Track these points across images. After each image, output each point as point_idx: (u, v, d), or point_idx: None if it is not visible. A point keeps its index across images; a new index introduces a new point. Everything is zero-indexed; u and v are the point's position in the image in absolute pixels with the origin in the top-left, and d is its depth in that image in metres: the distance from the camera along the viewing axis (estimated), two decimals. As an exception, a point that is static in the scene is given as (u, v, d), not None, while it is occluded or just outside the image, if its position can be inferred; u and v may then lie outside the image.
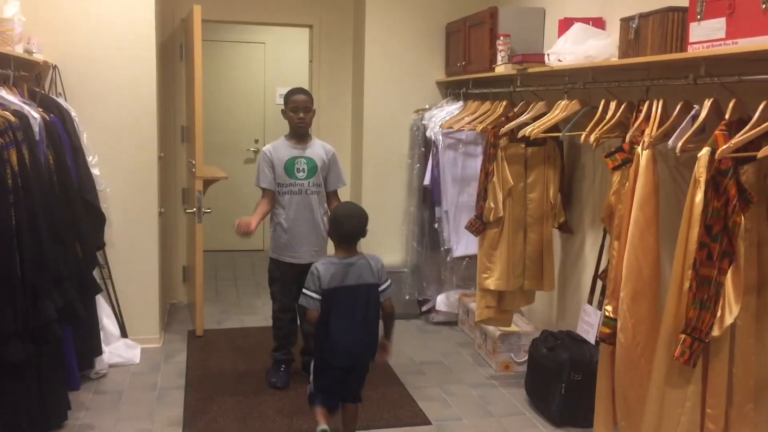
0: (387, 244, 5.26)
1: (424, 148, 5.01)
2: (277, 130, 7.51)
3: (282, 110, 3.87)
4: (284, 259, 3.83)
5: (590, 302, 3.57)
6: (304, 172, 3.81)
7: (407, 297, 5.14)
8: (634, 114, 3.03)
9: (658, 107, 2.87)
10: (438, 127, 4.80)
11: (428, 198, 5.01)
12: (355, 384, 3.12)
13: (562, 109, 3.55)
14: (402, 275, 5.18)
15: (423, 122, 5.00)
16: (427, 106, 5.14)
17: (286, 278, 3.86)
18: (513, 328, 4.22)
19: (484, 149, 3.91)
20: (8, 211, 2.65)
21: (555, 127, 3.59)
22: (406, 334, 4.91)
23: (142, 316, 4.50)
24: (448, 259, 4.88)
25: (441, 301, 5.06)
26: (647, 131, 2.83)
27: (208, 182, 4.80)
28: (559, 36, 3.69)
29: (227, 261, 7.11)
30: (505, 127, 3.78)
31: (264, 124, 7.51)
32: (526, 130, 3.60)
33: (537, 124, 3.59)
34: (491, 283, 3.94)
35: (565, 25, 3.69)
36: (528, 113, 3.79)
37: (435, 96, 5.29)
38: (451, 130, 4.72)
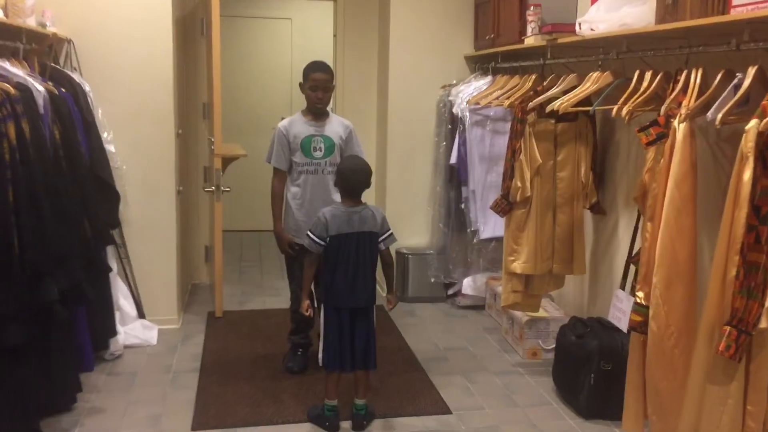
0: (412, 225, 5.09)
1: (451, 125, 4.81)
2: (302, 106, 7.42)
3: (300, 84, 3.70)
4: (299, 240, 3.68)
5: (623, 287, 3.36)
6: (321, 150, 3.65)
7: (433, 280, 4.97)
8: (671, 85, 2.80)
9: (697, 77, 2.63)
10: (465, 103, 4.60)
11: (455, 177, 4.81)
12: (362, 339, 3.16)
13: (593, 82, 3.32)
14: (428, 257, 5.01)
15: (450, 98, 4.79)
16: (454, 82, 4.93)
17: (302, 257, 3.71)
18: (541, 313, 4.02)
19: (511, 125, 3.70)
20: (5, 187, 2.54)
21: (586, 101, 3.36)
22: (431, 318, 4.75)
23: (161, 297, 4.41)
24: (475, 240, 4.69)
25: (467, 285, 4.88)
26: (685, 103, 2.60)
27: (227, 160, 4.68)
28: (591, 4, 3.46)
29: (253, 241, 7.01)
30: (534, 101, 3.56)
31: (291, 102, 7.34)
32: (555, 104, 3.38)
33: (567, 97, 3.36)
34: (518, 267, 3.75)
35: (600, -9, 3.45)
36: (558, 86, 3.57)
37: (463, 71, 5.07)
38: (478, 106, 4.51)
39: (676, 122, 2.55)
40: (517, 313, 4.09)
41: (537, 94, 3.67)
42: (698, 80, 2.62)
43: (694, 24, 2.53)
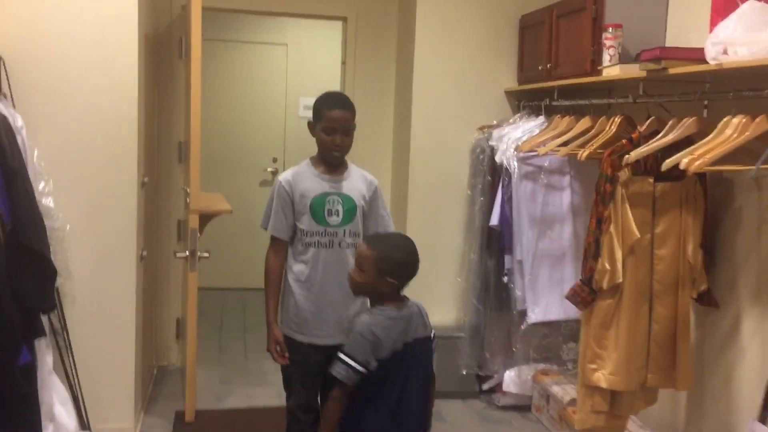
0: (437, 300, 4.03)
1: (491, 177, 3.82)
2: (301, 147, 6.39)
3: (309, 124, 2.70)
4: (304, 339, 2.64)
5: (763, 420, 2.36)
6: (338, 215, 2.64)
7: (464, 371, 3.92)
8: None
9: None
10: (512, 150, 3.62)
11: (494, 242, 3.81)
12: None
13: (738, 129, 2.32)
14: (457, 342, 3.97)
15: (490, 143, 3.81)
16: (495, 123, 3.95)
17: (307, 364, 2.68)
18: (625, 435, 2.99)
19: (597, 186, 2.71)
20: None
21: (727, 158, 2.35)
22: (466, 423, 3.70)
23: (112, 398, 3.33)
24: (523, 326, 3.67)
25: (510, 380, 3.83)
26: None
27: (206, 217, 3.65)
28: (714, 22, 2.51)
29: (236, 302, 5.94)
30: (635, 152, 2.57)
31: (284, 139, 6.36)
32: (676, 160, 2.38)
33: (698, 150, 2.35)
34: (603, 379, 2.73)
35: (725, 5, 2.50)
36: (671, 133, 2.57)
37: (503, 110, 4.11)
38: (532, 154, 3.54)
39: None
40: None
41: (632, 142, 2.69)
42: None
43: None
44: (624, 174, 2.68)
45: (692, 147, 2.39)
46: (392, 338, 2.19)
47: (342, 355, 2.19)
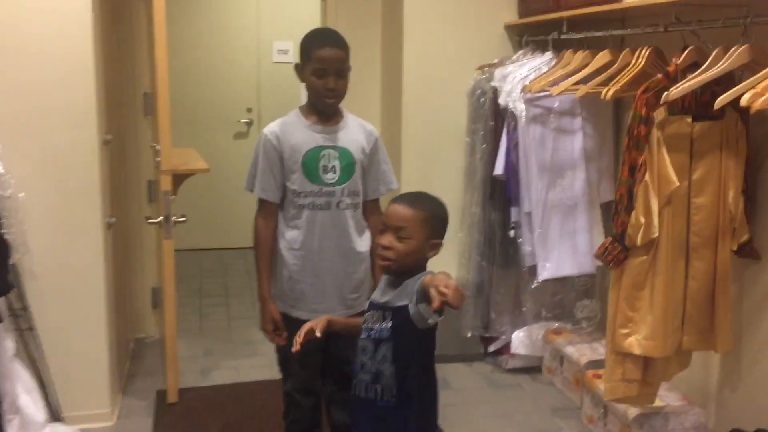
0: (436, 258, 3.70)
1: (494, 121, 3.46)
2: (277, 95, 5.99)
3: (296, 67, 2.31)
4: (301, 314, 2.31)
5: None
6: (335, 172, 2.28)
7: (468, 334, 3.63)
8: None
9: None
10: (519, 91, 3.26)
11: (499, 194, 3.48)
12: None
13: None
14: (460, 302, 3.67)
15: (492, 84, 3.44)
16: (496, 61, 3.57)
17: (306, 343, 2.35)
18: (657, 402, 2.72)
19: (629, 128, 2.37)
20: None
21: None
22: (473, 390, 3.42)
23: (85, 381, 2.99)
24: (534, 283, 3.37)
25: (519, 341, 3.55)
26: None
27: (179, 176, 3.27)
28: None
29: (216, 264, 5.60)
30: (679, 87, 2.23)
31: (258, 88, 5.93)
32: (735, 94, 2.04)
33: (762, 83, 2.00)
34: (636, 345, 2.45)
35: None
36: (719, 65, 2.23)
37: (503, 47, 3.71)
38: (541, 94, 3.19)
39: None
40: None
41: (668, 77, 2.35)
42: None
43: None
44: (660, 114, 2.35)
45: (752, 80, 2.04)
46: None
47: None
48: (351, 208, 2.31)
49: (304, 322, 2.30)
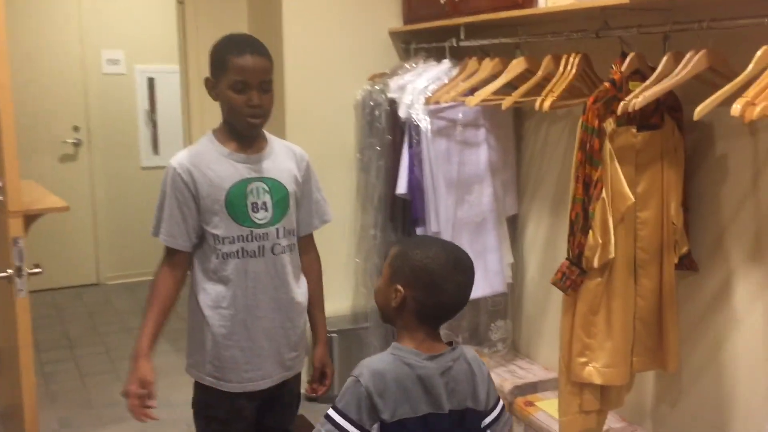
0: (331, 287, 3.31)
1: (392, 135, 3.18)
2: (108, 111, 5.30)
3: (207, 82, 1.88)
4: (233, 387, 1.87)
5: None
6: (266, 209, 1.87)
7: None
8: None
9: None
10: (421, 103, 3.00)
11: (400, 214, 3.20)
12: None
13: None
14: (362, 334, 3.36)
15: (389, 96, 3.15)
16: (387, 71, 3.29)
17: (239, 420, 1.92)
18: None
19: (581, 141, 2.18)
20: None
21: None
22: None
23: None
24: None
25: (431, 371, 3.30)
26: None
27: (30, 218, 2.64)
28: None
29: (48, 309, 4.80)
30: (643, 95, 2.05)
31: (86, 103, 5.20)
32: (712, 104, 1.89)
33: (751, 92, 1.83)
34: (596, 374, 2.27)
35: None
36: (678, 71, 2.08)
37: (387, 55, 3.45)
38: (445, 105, 2.95)
39: None
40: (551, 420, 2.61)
41: (615, 85, 2.19)
42: None
43: None
44: (609, 125, 2.19)
45: (730, 86, 1.90)
46: (400, 399, 1.46)
47: (332, 411, 1.48)
48: (288, 251, 1.91)
49: (236, 396, 1.90)
